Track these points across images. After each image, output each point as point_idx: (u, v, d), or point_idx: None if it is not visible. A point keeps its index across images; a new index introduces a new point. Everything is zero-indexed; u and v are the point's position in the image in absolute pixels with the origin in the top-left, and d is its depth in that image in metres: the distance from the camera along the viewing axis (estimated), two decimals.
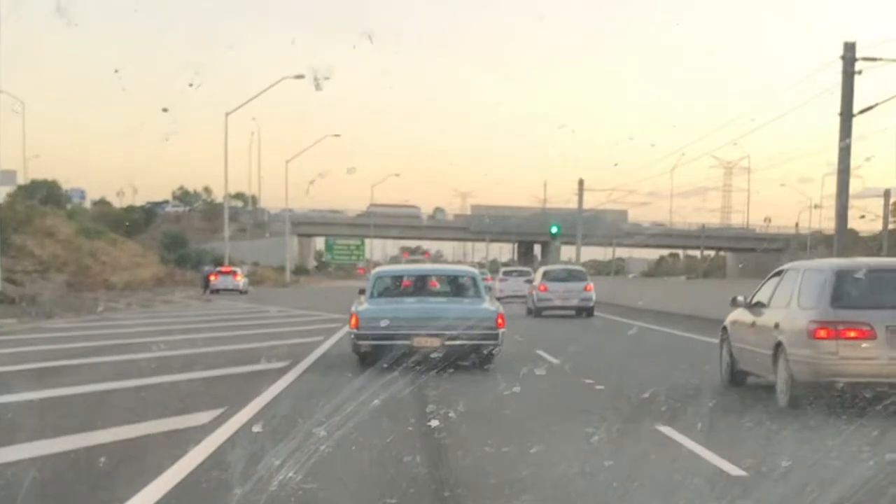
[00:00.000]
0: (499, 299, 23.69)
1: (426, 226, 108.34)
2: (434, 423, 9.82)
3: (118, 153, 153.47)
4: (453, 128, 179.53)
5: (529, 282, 39.49)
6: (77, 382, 13.14)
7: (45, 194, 72.43)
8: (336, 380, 13.17)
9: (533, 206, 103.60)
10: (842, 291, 11.18)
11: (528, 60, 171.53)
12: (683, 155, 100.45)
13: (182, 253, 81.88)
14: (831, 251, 30.48)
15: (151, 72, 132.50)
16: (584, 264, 57.50)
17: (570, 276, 34.99)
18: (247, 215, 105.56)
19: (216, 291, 57.14)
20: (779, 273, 13.10)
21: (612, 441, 8.96)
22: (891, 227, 64.85)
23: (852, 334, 10.84)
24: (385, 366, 13.67)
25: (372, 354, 15.14)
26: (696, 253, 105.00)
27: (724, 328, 14.09)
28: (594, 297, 33.83)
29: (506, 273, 51.13)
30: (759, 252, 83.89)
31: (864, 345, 10.83)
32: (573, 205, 65.89)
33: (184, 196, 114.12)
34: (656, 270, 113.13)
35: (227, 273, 60.51)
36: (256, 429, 9.28)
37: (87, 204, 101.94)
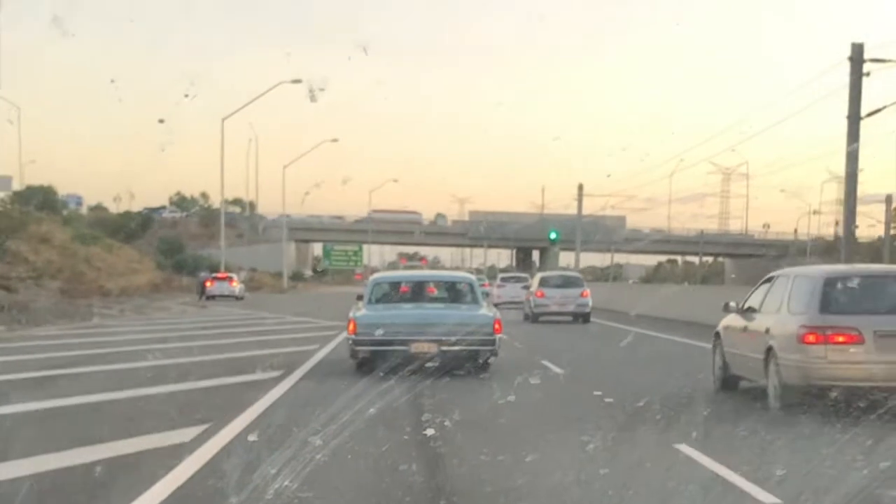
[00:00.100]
0: (496, 305, 23.71)
1: (424, 231, 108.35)
2: (430, 431, 9.82)
3: (115, 159, 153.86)
4: (451, 134, 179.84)
5: (527, 288, 39.52)
6: (52, 396, 12.52)
7: (42, 200, 72.39)
8: (332, 388, 13.16)
9: (531, 211, 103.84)
10: (830, 297, 11.46)
11: (524, 65, 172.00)
12: (682, 161, 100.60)
13: (179, 259, 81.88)
14: (826, 259, 30.51)
15: (148, 80, 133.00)
16: (581, 270, 57.55)
17: (567, 282, 35.08)
18: (244, 221, 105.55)
19: (212, 297, 56.89)
20: (769, 279, 13.32)
21: (628, 456, 8.80)
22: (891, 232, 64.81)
23: (841, 339, 11.08)
24: (381, 374, 13.66)
25: (370, 360, 15.17)
26: (695, 259, 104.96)
27: (717, 333, 14.27)
28: (591, 303, 33.93)
29: (503, 279, 51.22)
30: (759, 258, 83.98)
31: (852, 349, 11.07)
32: (571, 210, 66.07)
33: (181, 202, 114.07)
34: (654, 276, 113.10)
35: (224, 279, 60.26)
36: (252, 438, 9.27)
37: (84, 210, 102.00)
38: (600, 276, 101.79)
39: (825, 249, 79.68)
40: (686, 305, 35.02)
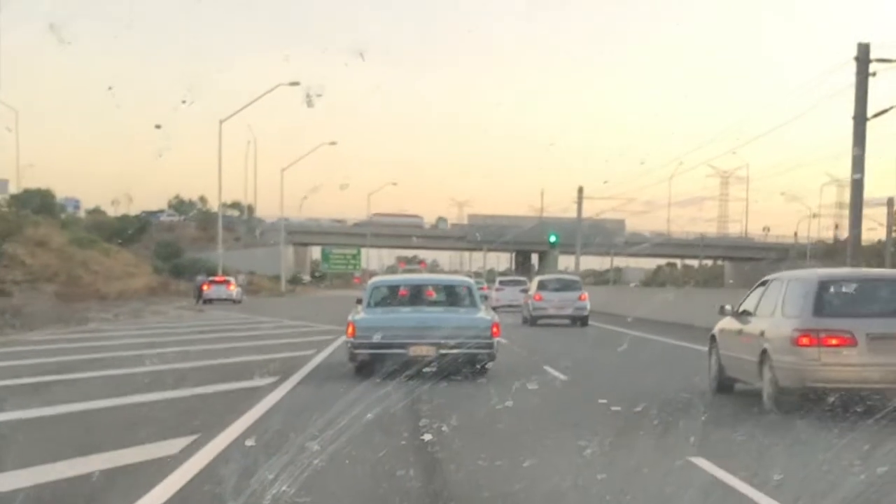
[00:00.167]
0: (495, 308, 23.74)
1: (423, 235, 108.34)
2: (427, 436, 9.80)
3: (113, 163, 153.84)
4: (450, 136, 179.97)
5: (525, 291, 39.55)
6: (47, 403, 12.40)
7: (39, 203, 72.40)
8: (329, 393, 13.13)
9: (530, 214, 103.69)
10: (824, 300, 11.62)
11: (524, 67, 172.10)
12: (681, 164, 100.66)
13: (176, 262, 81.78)
14: (824, 262, 30.47)
15: (146, 83, 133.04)
16: (581, 274, 57.55)
17: (565, 285, 35.12)
18: (242, 224, 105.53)
19: (209, 301, 56.75)
20: (764, 283, 13.44)
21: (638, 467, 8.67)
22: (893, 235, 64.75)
23: (834, 342, 11.21)
24: (378, 379, 13.66)
25: (369, 364, 15.19)
26: (695, 262, 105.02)
27: (713, 336, 14.36)
28: (589, 307, 33.96)
29: (502, 283, 51.27)
30: (758, 262, 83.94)
31: (845, 352, 11.20)
32: (570, 213, 66.00)
33: (179, 205, 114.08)
34: (654, 280, 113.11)
35: (221, 282, 60.00)
36: (249, 443, 9.26)
37: (82, 213, 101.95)
38: (600, 279, 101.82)
39: (825, 253, 79.75)
40: (685, 309, 35.02)
